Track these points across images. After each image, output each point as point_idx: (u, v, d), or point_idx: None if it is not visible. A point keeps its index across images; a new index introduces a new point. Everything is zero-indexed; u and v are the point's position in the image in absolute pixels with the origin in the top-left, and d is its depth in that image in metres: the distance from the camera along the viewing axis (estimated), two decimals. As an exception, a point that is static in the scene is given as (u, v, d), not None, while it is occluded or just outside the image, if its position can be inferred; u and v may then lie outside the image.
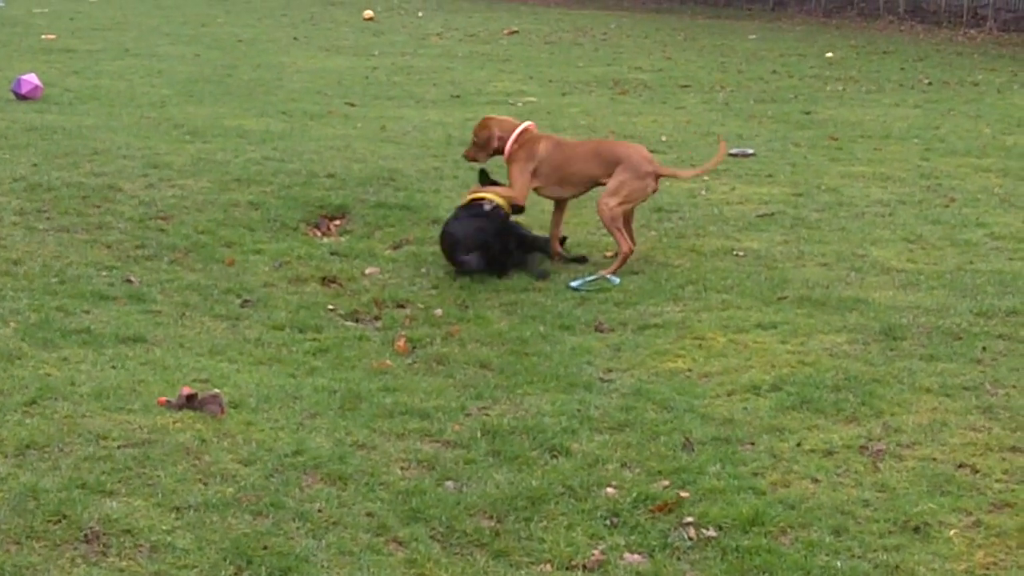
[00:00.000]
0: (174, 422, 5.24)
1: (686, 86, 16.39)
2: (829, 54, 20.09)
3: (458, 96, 15.16)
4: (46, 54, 17.10)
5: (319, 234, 8.87)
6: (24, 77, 13.17)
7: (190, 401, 5.37)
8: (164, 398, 5.48)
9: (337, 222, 9.07)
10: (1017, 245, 8.59)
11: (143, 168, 9.81)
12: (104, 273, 7.59)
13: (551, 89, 15.91)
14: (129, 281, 7.48)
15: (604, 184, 8.26)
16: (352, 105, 14.04)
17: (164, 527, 4.39)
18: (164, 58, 17.19)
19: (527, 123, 8.49)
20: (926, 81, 17.19)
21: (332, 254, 8.36)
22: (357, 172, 10.19)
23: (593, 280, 7.84)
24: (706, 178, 10.79)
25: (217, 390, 5.50)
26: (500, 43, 21.18)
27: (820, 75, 17.70)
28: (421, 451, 5.24)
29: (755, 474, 5.09)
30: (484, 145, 8.50)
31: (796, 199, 9.98)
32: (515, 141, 8.34)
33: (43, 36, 19.06)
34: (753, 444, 5.38)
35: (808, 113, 14.43)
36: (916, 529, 4.69)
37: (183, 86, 14.67)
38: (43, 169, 9.58)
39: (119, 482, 4.68)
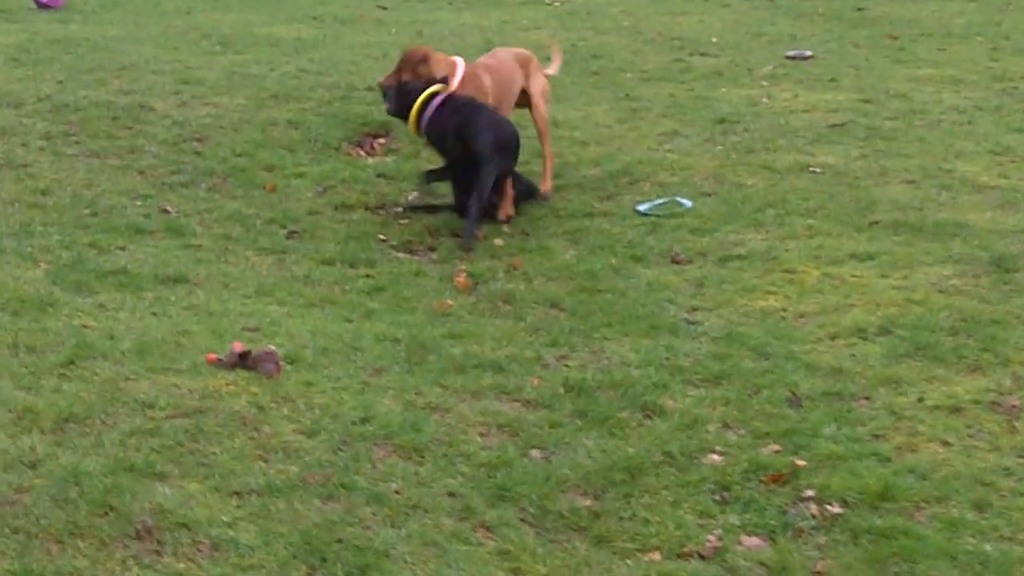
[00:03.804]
0: (227, 384, 4.72)
1: (729, -19, 15.59)
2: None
3: (494, -3, 14.50)
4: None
5: (363, 154, 8.30)
6: (46, -16, 12.57)
7: (243, 359, 4.85)
8: (214, 355, 4.96)
9: (381, 140, 8.49)
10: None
11: (174, 84, 9.21)
12: (139, 203, 7.06)
13: (590, -13, 15.16)
14: (166, 211, 6.96)
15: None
16: (384, 8, 13.40)
17: (224, 518, 3.87)
18: (186, -40, 16.49)
19: (460, 61, 7.37)
20: (977, -28, 16.32)
21: (378, 176, 7.80)
22: (398, 84, 9.58)
23: (662, 203, 7.26)
24: (765, 84, 10.18)
25: (272, 347, 4.97)
26: (533, -62, 20.33)
27: (867, -33, 16.86)
28: (501, 413, 4.71)
29: (876, 436, 4.56)
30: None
31: (865, 106, 9.37)
32: (461, 84, 7.20)
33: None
34: (868, 399, 4.84)
35: (861, 10, 13.72)
36: (1066, 502, 4.17)
37: (208, -9, 14.02)
38: (69, 87, 8.99)
39: (170, 462, 4.16)
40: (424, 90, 7.02)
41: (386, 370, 5.05)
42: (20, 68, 9.62)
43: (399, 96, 7.10)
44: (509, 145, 6.99)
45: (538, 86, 7.68)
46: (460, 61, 7.38)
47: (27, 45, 10.43)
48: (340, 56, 10.58)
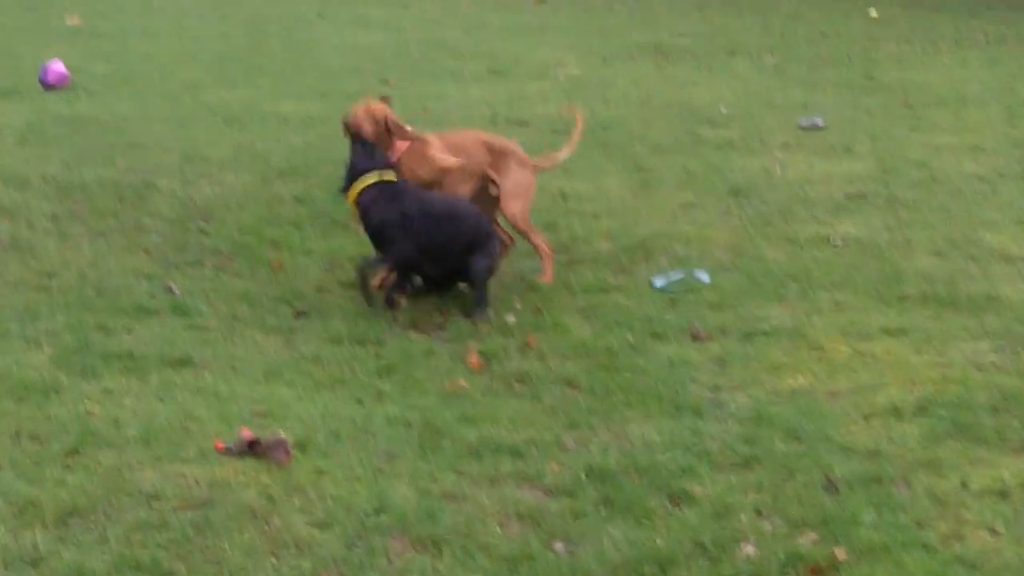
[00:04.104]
0: (236, 474, 4.52)
1: (732, 52, 15.50)
2: (873, 13, 19.02)
3: (498, 70, 14.39)
4: (71, 37, 16.39)
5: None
6: (51, 66, 12.44)
7: (252, 448, 4.66)
8: (222, 443, 4.76)
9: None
10: None
11: (180, 162, 9.09)
12: (144, 283, 6.89)
13: (592, 59, 15.06)
14: (171, 291, 6.78)
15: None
16: (389, 83, 13.29)
17: (234, 620, 3.67)
18: (193, 38, 16.45)
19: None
20: (984, 39, 16.24)
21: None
22: (407, 159, 9.45)
23: (678, 278, 7.06)
24: (779, 154, 10.04)
25: (281, 433, 4.77)
26: (533, 11, 20.31)
27: (871, 35, 16.77)
28: (521, 502, 4.49)
29: (919, 524, 4.33)
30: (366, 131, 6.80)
31: (884, 175, 9.23)
32: (406, 153, 6.82)
33: (68, 22, 18.36)
34: (908, 484, 4.62)
35: (871, 77, 13.61)
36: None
37: (215, 67, 13.94)
38: (75, 167, 8.87)
39: (178, 558, 3.95)
40: (369, 171, 6.69)
41: (399, 456, 4.84)
42: (27, 148, 9.51)
43: (348, 173, 6.76)
44: (448, 246, 6.59)
45: (510, 184, 6.91)
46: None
47: (35, 125, 10.34)
48: (347, 131, 10.46)
